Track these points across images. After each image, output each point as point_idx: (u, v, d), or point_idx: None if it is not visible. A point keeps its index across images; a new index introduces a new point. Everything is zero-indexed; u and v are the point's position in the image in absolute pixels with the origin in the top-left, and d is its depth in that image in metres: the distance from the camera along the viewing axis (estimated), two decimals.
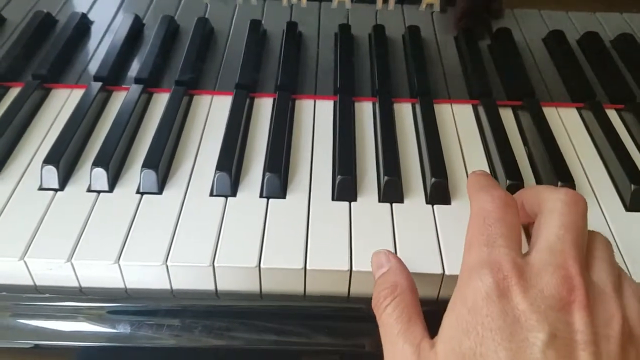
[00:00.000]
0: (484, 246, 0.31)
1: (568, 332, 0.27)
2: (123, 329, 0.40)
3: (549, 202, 0.32)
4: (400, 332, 0.32)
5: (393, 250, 0.39)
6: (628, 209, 0.44)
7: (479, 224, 0.32)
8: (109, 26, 0.62)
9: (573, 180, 0.44)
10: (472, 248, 0.31)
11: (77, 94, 0.52)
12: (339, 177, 0.43)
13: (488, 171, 0.46)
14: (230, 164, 0.44)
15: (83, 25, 0.61)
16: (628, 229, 0.42)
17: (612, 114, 0.53)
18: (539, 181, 0.46)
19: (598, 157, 0.49)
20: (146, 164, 0.43)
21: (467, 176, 0.46)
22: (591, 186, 0.46)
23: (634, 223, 0.43)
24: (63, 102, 0.52)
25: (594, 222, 0.42)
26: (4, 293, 0.40)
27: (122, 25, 0.60)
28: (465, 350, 0.28)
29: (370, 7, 0.55)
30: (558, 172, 0.45)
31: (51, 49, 0.56)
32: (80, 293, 0.40)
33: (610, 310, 0.29)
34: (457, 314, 0.30)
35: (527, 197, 0.36)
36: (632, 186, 0.44)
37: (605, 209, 0.44)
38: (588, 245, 0.32)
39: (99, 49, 0.59)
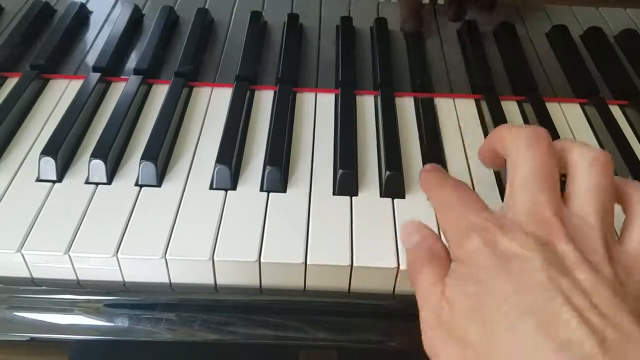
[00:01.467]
0: (459, 209, 0.33)
1: (559, 258, 0.28)
2: (121, 322, 0.39)
3: (512, 147, 0.33)
4: (436, 294, 0.32)
5: (394, 246, 0.39)
6: None
7: (445, 211, 0.35)
8: (107, 16, 0.61)
9: None
10: (447, 214, 0.34)
11: (75, 85, 0.52)
12: (340, 171, 0.43)
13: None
14: (231, 157, 0.43)
15: (82, 15, 0.60)
16: None
17: (615, 110, 0.53)
18: None
19: None
20: (145, 156, 0.43)
21: (468, 169, 0.46)
22: None
23: None
24: (61, 93, 0.51)
25: None
26: (0, 285, 0.40)
27: (121, 15, 0.59)
28: (473, 291, 0.29)
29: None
30: None
31: (49, 39, 0.56)
32: (78, 286, 0.40)
33: (593, 242, 0.30)
34: (457, 273, 0.31)
35: (497, 144, 0.36)
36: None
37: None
38: (571, 176, 0.33)
39: (97, 39, 0.58)
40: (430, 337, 0.31)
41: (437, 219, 0.40)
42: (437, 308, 0.31)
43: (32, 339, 0.41)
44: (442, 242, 0.35)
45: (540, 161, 0.32)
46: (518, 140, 0.33)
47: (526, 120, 0.51)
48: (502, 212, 0.32)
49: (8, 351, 0.48)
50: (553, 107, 0.52)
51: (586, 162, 0.32)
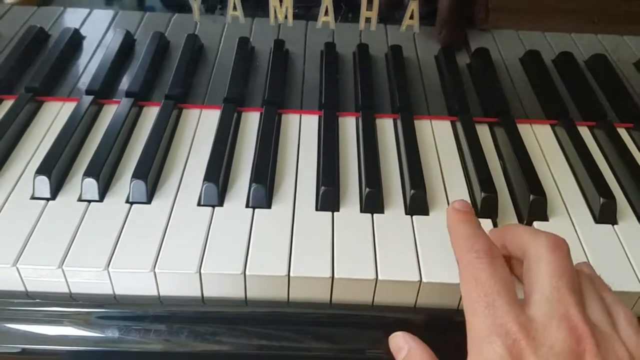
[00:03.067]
0: (485, 309, 0.31)
1: None
2: (111, 333, 0.41)
3: (533, 249, 0.33)
4: None
5: (373, 257, 0.41)
6: (597, 221, 0.46)
7: (473, 285, 0.32)
8: (100, 41, 0.63)
9: (545, 194, 0.46)
10: (475, 313, 0.31)
11: (69, 107, 0.54)
12: (322, 188, 0.45)
13: (465, 184, 0.48)
14: (218, 175, 0.45)
15: (75, 40, 0.63)
16: (597, 240, 0.44)
17: (584, 131, 0.56)
18: (512, 194, 0.48)
19: (570, 172, 0.51)
20: (136, 175, 0.45)
21: (445, 188, 0.48)
22: (562, 199, 0.48)
23: (603, 234, 0.45)
24: (55, 115, 0.54)
25: (565, 234, 0.44)
26: None
27: (114, 40, 0.61)
28: None
29: (354, 26, 0.57)
30: (531, 186, 0.47)
31: (44, 63, 0.58)
32: (70, 299, 0.41)
33: (618, 350, 0.30)
34: None
35: (508, 238, 0.36)
36: (601, 199, 0.46)
37: (576, 221, 0.46)
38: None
39: (90, 63, 0.60)
40: None
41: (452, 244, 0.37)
42: None
43: (24, 350, 0.42)
44: (431, 355, 0.35)
45: (563, 265, 0.32)
46: (539, 241, 0.33)
47: (496, 141, 0.54)
48: (528, 312, 0.31)
49: None
50: (525, 128, 0.55)
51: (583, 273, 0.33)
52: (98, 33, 0.64)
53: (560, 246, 0.33)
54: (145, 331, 0.41)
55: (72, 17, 0.66)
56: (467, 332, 0.32)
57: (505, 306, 0.30)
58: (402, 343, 0.37)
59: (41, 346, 0.42)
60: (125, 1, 0.63)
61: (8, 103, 0.54)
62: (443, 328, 0.42)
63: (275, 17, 0.53)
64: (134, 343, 0.41)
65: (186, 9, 0.57)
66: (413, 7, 0.51)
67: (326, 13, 0.52)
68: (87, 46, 0.63)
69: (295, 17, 0.54)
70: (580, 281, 0.33)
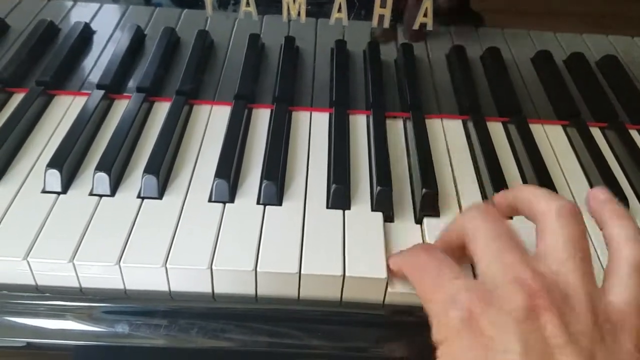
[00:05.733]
0: (438, 289, 0.31)
1: (540, 339, 0.27)
2: (121, 328, 0.41)
3: (467, 223, 0.33)
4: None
5: (384, 257, 0.41)
6: None
7: (420, 274, 0.34)
8: (110, 36, 0.63)
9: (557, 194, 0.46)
10: (428, 295, 0.32)
11: (79, 101, 0.54)
12: (333, 185, 0.45)
13: (476, 184, 0.48)
14: (229, 172, 0.45)
15: (86, 35, 0.63)
16: None
17: (596, 131, 0.55)
18: None
19: (581, 172, 0.51)
20: (147, 170, 0.45)
21: (456, 188, 0.48)
22: (574, 200, 0.48)
23: None
24: (66, 109, 0.53)
25: None
26: (5, 292, 0.41)
27: (124, 35, 0.61)
28: None
29: (366, 24, 0.57)
30: (543, 186, 0.46)
31: (55, 57, 0.58)
32: (80, 293, 0.41)
33: (579, 309, 0.28)
34: (440, 355, 0.30)
35: (449, 235, 0.36)
36: None
37: (587, 222, 0.46)
38: (540, 230, 0.32)
39: (100, 58, 0.60)
40: None
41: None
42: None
43: (29, 344, 0.42)
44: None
45: (494, 224, 0.32)
46: (470, 214, 0.33)
47: (511, 141, 0.54)
48: (476, 280, 0.31)
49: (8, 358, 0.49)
50: (536, 128, 0.55)
51: (553, 215, 0.31)
52: (108, 28, 0.64)
53: (487, 209, 0.33)
54: (155, 327, 0.41)
55: (82, 12, 0.66)
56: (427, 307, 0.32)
57: (456, 279, 0.31)
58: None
59: (49, 340, 0.42)
60: None
61: (19, 96, 0.54)
62: None
63: (288, 13, 0.52)
64: (144, 338, 0.41)
65: (198, 4, 0.57)
66: (427, 5, 0.51)
67: (339, 10, 0.52)
68: (98, 41, 0.63)
69: (307, 14, 0.54)
70: (544, 229, 0.32)
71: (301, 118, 0.54)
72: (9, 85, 0.55)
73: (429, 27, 0.53)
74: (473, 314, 0.28)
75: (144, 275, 0.40)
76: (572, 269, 0.29)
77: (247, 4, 0.52)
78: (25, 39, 0.61)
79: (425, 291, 0.32)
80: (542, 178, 0.47)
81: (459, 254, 0.35)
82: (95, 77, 0.57)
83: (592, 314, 0.28)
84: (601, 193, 0.35)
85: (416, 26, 0.52)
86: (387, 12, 0.52)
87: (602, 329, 0.28)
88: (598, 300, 0.29)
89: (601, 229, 0.34)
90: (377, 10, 0.52)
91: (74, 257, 0.40)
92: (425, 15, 0.51)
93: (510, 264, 0.29)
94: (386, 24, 0.53)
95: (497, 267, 0.30)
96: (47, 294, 0.41)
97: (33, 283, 0.41)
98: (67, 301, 0.41)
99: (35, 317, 0.41)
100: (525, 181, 0.49)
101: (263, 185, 0.45)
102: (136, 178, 0.46)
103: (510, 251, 0.30)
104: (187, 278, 0.41)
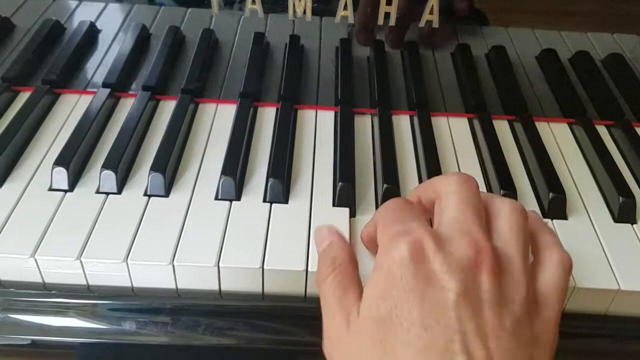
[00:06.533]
0: (396, 222, 0.33)
1: (476, 290, 0.29)
2: (128, 326, 0.41)
3: (444, 186, 0.34)
4: (335, 303, 0.33)
5: None
6: (616, 220, 0.46)
7: (388, 206, 0.35)
8: (116, 35, 0.63)
9: (564, 192, 0.46)
10: (385, 225, 0.33)
11: (85, 99, 0.54)
12: (339, 184, 0.45)
13: (482, 181, 0.48)
14: (235, 169, 0.45)
15: (91, 34, 0.63)
16: (616, 239, 0.44)
17: (602, 130, 0.55)
18: (535, 191, 0.48)
19: (588, 170, 0.51)
20: (154, 167, 0.45)
21: None
22: (581, 198, 0.48)
23: (622, 233, 0.45)
24: (72, 107, 0.54)
25: (584, 233, 0.44)
26: (12, 289, 0.42)
27: (130, 34, 0.61)
28: (382, 313, 0.30)
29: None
30: (549, 184, 0.46)
31: (60, 55, 0.58)
32: (87, 291, 0.41)
33: (517, 278, 0.30)
34: (375, 281, 0.31)
35: (422, 191, 0.37)
36: (621, 198, 0.46)
37: (595, 220, 0.46)
38: (495, 215, 0.34)
39: (106, 56, 0.60)
40: (329, 352, 0.33)
41: None
42: (341, 326, 0.32)
43: (33, 342, 0.43)
44: (349, 251, 0.36)
45: (470, 194, 0.33)
46: (450, 179, 0.34)
47: (517, 139, 0.54)
48: (435, 230, 0.32)
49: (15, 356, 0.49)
50: (542, 126, 0.55)
51: (508, 206, 0.34)
52: (113, 27, 0.64)
53: (468, 179, 0.34)
54: (162, 324, 0.41)
55: (87, 11, 0.66)
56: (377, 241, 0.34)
57: (416, 220, 0.32)
58: (326, 234, 0.39)
59: (54, 338, 0.42)
60: None
61: (24, 95, 0.54)
62: None
63: (294, 11, 0.52)
64: (150, 336, 0.41)
65: (204, 3, 0.57)
66: (433, 2, 0.51)
67: (345, 7, 0.52)
68: (103, 40, 0.63)
69: (313, 11, 0.54)
70: (502, 212, 0.34)
71: (306, 116, 0.54)
72: (15, 84, 0.55)
73: (435, 24, 0.53)
74: (424, 249, 0.30)
75: (151, 273, 0.40)
76: (516, 245, 0.32)
77: (253, 1, 0.52)
78: (31, 38, 0.61)
79: (383, 229, 0.33)
80: (549, 175, 0.47)
81: (424, 210, 0.37)
82: (100, 76, 0.57)
83: (526, 288, 0.30)
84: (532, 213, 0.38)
85: (422, 24, 0.52)
86: (393, 9, 0.52)
87: (530, 305, 0.30)
88: (531, 278, 0.31)
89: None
90: (383, 7, 0.52)
91: (82, 254, 0.40)
92: (431, 12, 0.51)
93: (470, 226, 0.31)
94: (392, 21, 0.53)
95: (457, 224, 0.32)
96: (55, 292, 0.41)
97: (40, 280, 0.41)
98: (74, 299, 0.41)
99: (41, 315, 0.42)
100: (531, 178, 0.49)
101: (269, 183, 0.45)
102: (142, 176, 0.46)
103: (474, 217, 0.32)
104: (194, 275, 0.41)
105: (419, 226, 0.32)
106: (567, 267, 0.33)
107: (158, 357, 0.44)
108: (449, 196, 0.33)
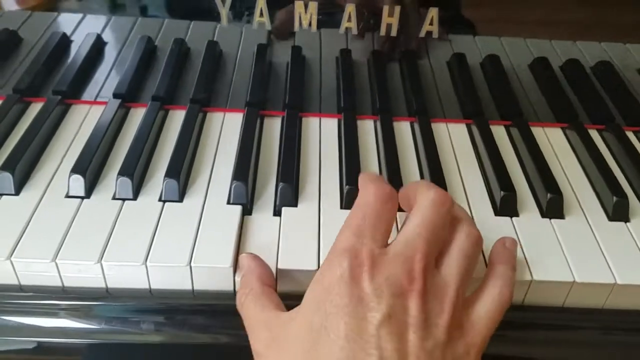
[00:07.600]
0: (352, 235, 0.34)
1: (402, 315, 0.31)
2: (146, 326, 0.42)
3: (419, 199, 0.36)
4: (256, 319, 0.36)
5: None
6: (610, 219, 0.48)
7: (357, 213, 0.36)
8: (122, 47, 0.65)
9: (561, 192, 0.48)
10: (343, 233, 0.35)
11: (95, 110, 0.55)
12: (347, 187, 0.47)
13: (482, 184, 0.50)
14: (246, 175, 0.47)
15: (98, 46, 0.64)
16: (611, 236, 0.46)
17: (594, 134, 0.58)
18: (533, 192, 0.50)
19: (582, 172, 0.53)
20: (168, 174, 0.46)
21: (464, 190, 0.50)
22: (577, 198, 0.50)
23: (617, 231, 0.47)
24: (83, 117, 0.55)
25: (580, 231, 0.46)
26: (31, 293, 0.43)
27: (136, 46, 0.63)
28: (315, 324, 0.32)
29: (372, 34, 0.59)
30: (547, 185, 0.49)
31: (70, 67, 0.59)
32: (106, 294, 0.43)
33: (444, 303, 0.33)
34: (314, 290, 0.34)
35: (410, 191, 0.39)
36: (614, 198, 0.48)
37: (590, 219, 0.48)
38: (454, 238, 0.36)
39: (113, 68, 0.62)
40: None
41: None
42: (266, 339, 0.35)
43: (38, 344, 0.44)
44: (267, 275, 0.40)
45: (435, 218, 0.35)
46: (427, 195, 0.36)
47: (513, 143, 0.56)
48: (387, 248, 0.34)
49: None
50: (537, 131, 0.57)
51: (464, 234, 0.36)
52: (119, 39, 0.66)
53: (443, 202, 0.36)
54: (181, 325, 0.42)
55: (92, 24, 0.68)
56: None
57: (369, 240, 0.34)
58: (241, 264, 0.41)
59: (60, 339, 0.44)
60: (147, 9, 0.65)
61: (36, 106, 0.55)
62: None
63: (300, 23, 0.55)
64: (171, 336, 0.42)
65: (214, 15, 0.59)
66: (433, 13, 0.53)
67: (349, 19, 0.54)
68: (110, 51, 0.65)
69: (318, 24, 0.56)
70: (458, 239, 0.36)
71: (311, 124, 0.56)
72: (26, 95, 0.56)
73: (435, 35, 0.55)
74: (362, 272, 0.32)
75: (169, 274, 0.42)
76: (456, 274, 0.34)
77: (261, 14, 0.54)
78: (40, 51, 0.62)
79: (344, 228, 0.35)
80: (546, 177, 0.50)
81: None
82: (109, 87, 0.58)
83: (450, 315, 0.32)
84: (509, 240, 0.41)
85: (422, 34, 0.54)
86: (395, 21, 0.54)
87: (453, 330, 0.32)
88: (461, 305, 0.34)
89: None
90: (386, 19, 0.54)
91: (102, 257, 0.41)
92: (431, 23, 0.53)
93: (415, 253, 0.33)
94: (394, 32, 0.56)
95: (406, 247, 0.33)
96: (73, 295, 0.43)
97: (60, 285, 0.43)
98: (93, 301, 0.42)
99: (56, 318, 0.43)
100: (529, 180, 0.51)
101: (279, 187, 0.47)
102: (156, 182, 0.48)
103: (424, 244, 0.33)
104: (209, 277, 0.42)
105: (370, 247, 0.33)
106: (504, 302, 0.35)
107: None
108: (416, 212, 0.35)
